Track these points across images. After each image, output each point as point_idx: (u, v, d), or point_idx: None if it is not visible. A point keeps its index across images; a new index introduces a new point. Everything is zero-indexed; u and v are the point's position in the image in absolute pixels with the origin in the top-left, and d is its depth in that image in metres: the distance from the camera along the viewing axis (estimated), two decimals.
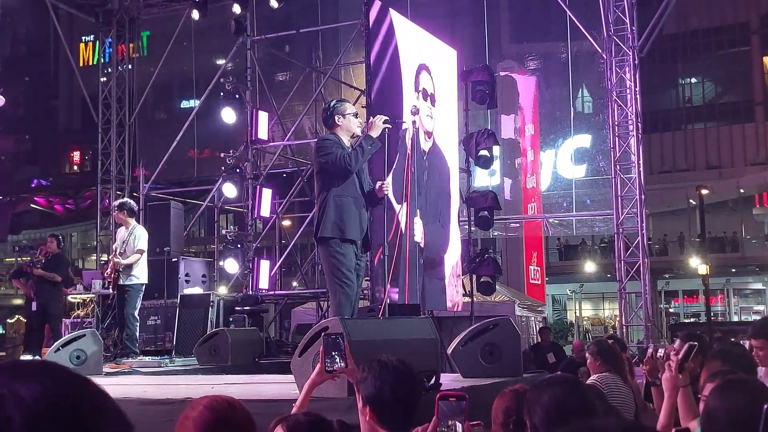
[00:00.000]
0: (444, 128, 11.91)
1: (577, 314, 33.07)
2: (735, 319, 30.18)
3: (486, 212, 12.86)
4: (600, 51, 15.08)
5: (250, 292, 12.09)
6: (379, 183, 6.05)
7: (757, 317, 25.56)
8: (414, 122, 8.65)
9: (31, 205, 41.56)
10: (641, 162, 14.61)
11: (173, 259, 12.27)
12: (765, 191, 31.20)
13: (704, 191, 23.36)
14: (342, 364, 3.31)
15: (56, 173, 43.24)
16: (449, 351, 6.32)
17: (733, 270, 30.91)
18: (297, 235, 14.78)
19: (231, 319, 11.23)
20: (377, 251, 8.19)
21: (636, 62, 14.63)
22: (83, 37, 36.08)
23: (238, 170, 12.89)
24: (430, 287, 10.86)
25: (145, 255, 9.40)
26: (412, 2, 18.42)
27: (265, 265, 12.40)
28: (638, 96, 14.68)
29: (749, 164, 32.27)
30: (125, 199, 10.90)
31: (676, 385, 3.32)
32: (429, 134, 11.29)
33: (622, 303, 14.64)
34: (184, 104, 30.00)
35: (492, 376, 5.84)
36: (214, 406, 2.28)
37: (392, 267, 6.60)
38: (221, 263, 13.12)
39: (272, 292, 12.89)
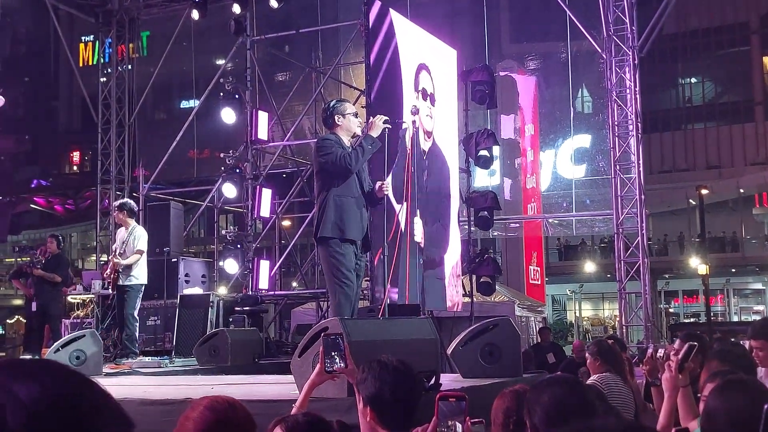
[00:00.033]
0: (444, 128, 11.90)
1: (577, 314, 33.08)
2: (735, 319, 30.16)
3: (486, 212, 12.87)
4: (600, 51, 15.07)
5: (250, 293, 12.08)
6: (378, 183, 6.04)
7: (757, 317, 25.59)
8: (414, 122, 8.63)
9: (31, 206, 41.56)
10: (641, 162, 14.61)
11: (173, 260, 12.25)
12: (765, 191, 31.19)
13: (704, 191, 23.37)
14: (342, 365, 3.30)
15: (56, 173, 43.27)
16: (449, 351, 6.32)
17: (733, 270, 30.91)
18: (297, 236, 14.75)
19: (231, 320, 11.22)
20: (377, 251, 8.18)
21: (636, 62, 14.63)
22: (83, 38, 36.11)
23: (237, 170, 12.88)
24: (429, 287, 10.85)
25: (144, 255, 9.41)
26: (412, 2, 18.39)
27: (264, 265, 12.38)
28: (638, 96, 14.68)
29: (749, 164, 32.27)
30: (125, 199, 10.90)
31: (676, 386, 3.32)
32: (429, 134, 11.28)
33: (622, 303, 14.64)
34: (184, 104, 30.03)
35: (492, 377, 5.84)
36: (214, 407, 2.28)
37: (392, 267, 6.61)
38: (221, 263, 13.11)
39: (272, 293, 12.87)
